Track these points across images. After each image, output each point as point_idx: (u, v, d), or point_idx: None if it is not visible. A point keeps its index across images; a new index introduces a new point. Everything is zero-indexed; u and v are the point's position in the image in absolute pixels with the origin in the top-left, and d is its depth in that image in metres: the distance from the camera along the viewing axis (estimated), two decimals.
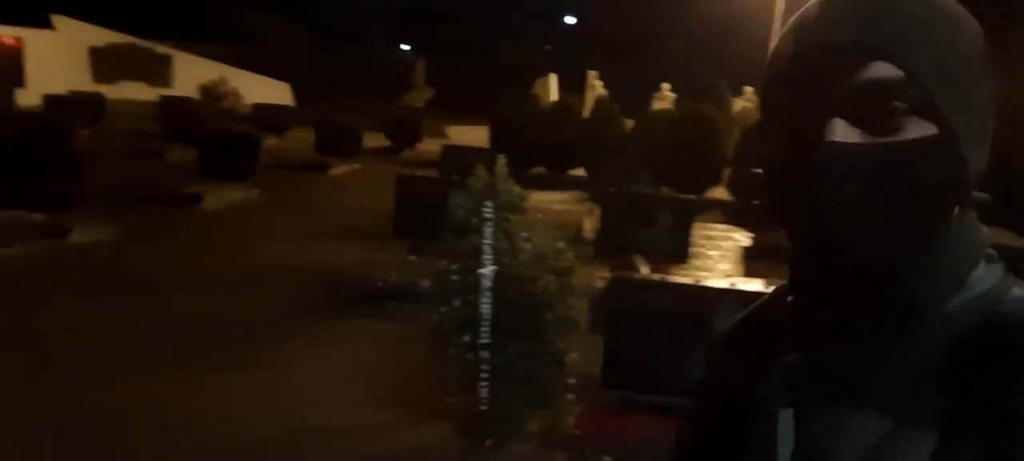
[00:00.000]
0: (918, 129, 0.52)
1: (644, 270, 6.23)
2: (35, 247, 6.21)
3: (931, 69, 0.51)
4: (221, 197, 8.82)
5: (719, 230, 8.89)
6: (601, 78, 18.79)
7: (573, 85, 19.38)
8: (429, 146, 15.08)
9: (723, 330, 0.73)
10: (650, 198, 7.77)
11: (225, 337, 4.72)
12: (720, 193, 11.39)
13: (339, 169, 12.53)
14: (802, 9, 0.57)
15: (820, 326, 0.58)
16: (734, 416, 0.64)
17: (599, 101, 14.35)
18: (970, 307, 0.54)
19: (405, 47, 40.79)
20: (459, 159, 8.67)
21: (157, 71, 25.48)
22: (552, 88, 21.26)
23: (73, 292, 5.39)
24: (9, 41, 22.89)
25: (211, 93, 18.09)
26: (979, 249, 0.57)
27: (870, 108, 0.52)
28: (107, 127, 15.29)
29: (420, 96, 28.83)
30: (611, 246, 6.95)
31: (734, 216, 9.47)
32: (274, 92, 23.09)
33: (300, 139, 14.59)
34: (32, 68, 22.72)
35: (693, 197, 9.50)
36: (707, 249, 7.64)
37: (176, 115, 13.74)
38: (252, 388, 3.99)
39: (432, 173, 9.02)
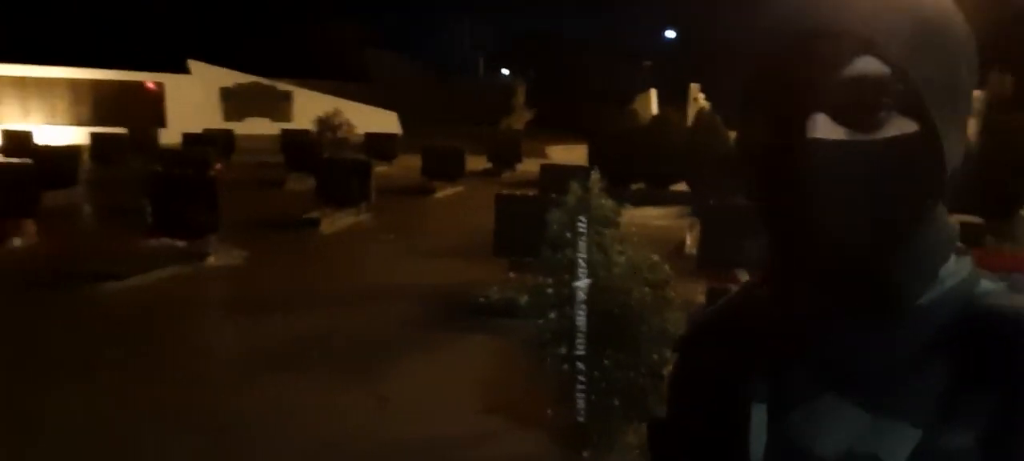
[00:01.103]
0: (900, 126, 0.50)
1: None
2: (178, 270, 6.93)
3: (917, 66, 0.50)
4: (336, 221, 9.44)
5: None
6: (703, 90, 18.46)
7: (675, 99, 19.15)
8: (529, 166, 15.34)
9: (696, 324, 0.72)
10: (753, 211, 7.56)
11: (344, 350, 5.07)
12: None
13: (444, 192, 13.03)
14: None
15: (798, 320, 0.57)
16: (707, 410, 0.63)
17: (700, 114, 14.11)
18: (944, 300, 0.54)
19: (505, 72, 41.61)
20: (557, 177, 8.81)
21: (279, 107, 27.48)
22: (652, 103, 21.06)
23: (211, 310, 5.99)
24: (152, 87, 25.45)
25: (326, 125, 19.26)
26: (950, 242, 0.57)
27: (855, 104, 0.50)
28: (236, 160, 16.67)
29: (520, 119, 29.42)
30: (712, 260, 6.83)
31: None
32: (383, 122, 24.31)
33: (408, 165, 15.27)
34: (172, 109, 25.17)
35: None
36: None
37: (296, 147, 14.77)
38: (371, 398, 4.28)
39: (530, 192, 9.22)
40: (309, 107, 25.39)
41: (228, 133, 18.46)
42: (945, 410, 0.50)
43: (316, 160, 11.09)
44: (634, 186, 11.83)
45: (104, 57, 24.61)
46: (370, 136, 17.90)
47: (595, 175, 4.03)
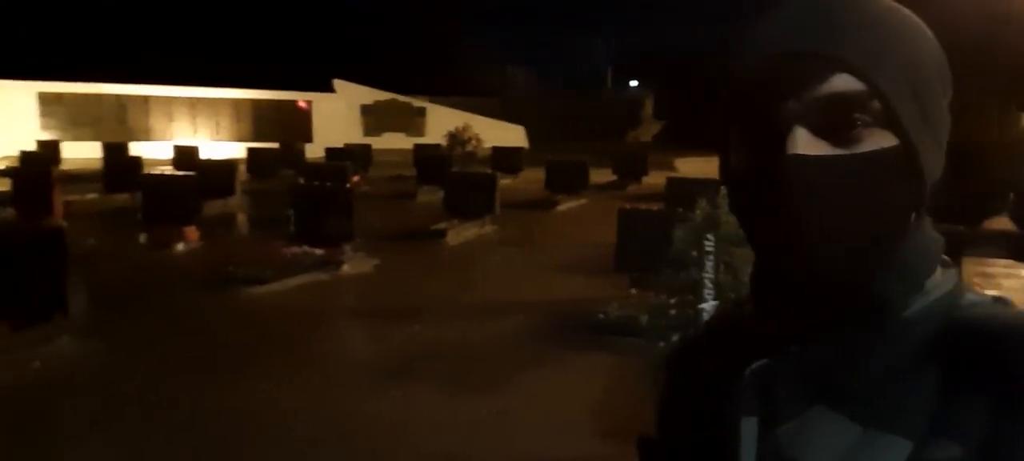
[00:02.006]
0: (879, 140, 0.52)
1: None
2: (315, 277, 7.37)
3: (891, 82, 0.52)
4: (461, 233, 9.67)
5: (999, 267, 7.55)
6: None
7: None
8: (655, 180, 14.98)
9: (684, 340, 0.73)
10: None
11: (465, 361, 5.14)
12: (1001, 223, 9.68)
13: (566, 205, 13.00)
14: (761, 18, 0.56)
15: (785, 334, 0.57)
16: (696, 425, 0.64)
17: None
18: (929, 312, 0.55)
19: (634, 83, 41.06)
20: (684, 192, 8.50)
21: (414, 122, 28.80)
22: None
23: (342, 317, 6.30)
24: (303, 105, 27.57)
25: (456, 139, 19.95)
26: (935, 255, 0.58)
27: (832, 120, 0.52)
28: (373, 173, 17.60)
29: (648, 131, 28.89)
30: None
31: (1018, 250, 7.97)
32: (511, 135, 24.78)
33: (533, 178, 15.40)
34: (318, 125, 27.09)
35: (963, 228, 8.19)
36: (982, 287, 6.53)
37: (427, 160, 15.35)
38: (491, 412, 4.29)
39: (655, 206, 8.97)
40: (441, 122, 26.39)
41: (366, 147, 19.51)
42: (934, 421, 0.50)
43: (445, 174, 11.45)
44: None
45: (262, 79, 27.00)
46: (497, 150, 18.26)
47: (724, 190, 3.81)
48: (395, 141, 25.75)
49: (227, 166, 12.60)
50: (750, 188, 0.55)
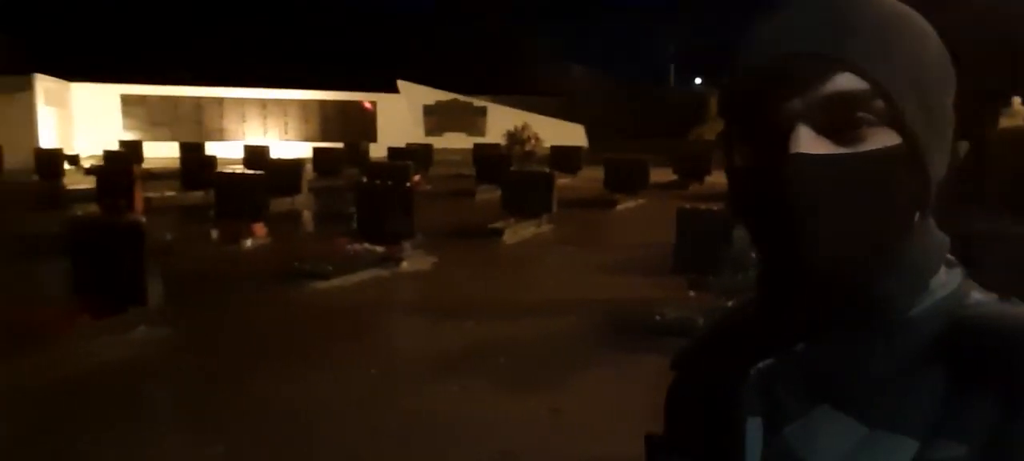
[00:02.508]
0: (883, 139, 0.52)
1: None
2: (376, 273, 7.55)
3: (895, 80, 0.52)
4: (518, 231, 9.71)
5: None
6: None
7: None
8: (718, 179, 14.66)
9: (691, 341, 0.72)
10: (990, 234, 6.53)
11: (520, 359, 5.18)
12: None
13: (625, 204, 12.88)
14: (764, 18, 0.56)
15: (790, 334, 0.57)
16: (703, 425, 0.64)
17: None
18: (934, 311, 0.55)
19: (698, 81, 40.29)
20: None
21: (474, 122, 29.07)
22: None
23: (400, 312, 6.44)
24: (368, 106, 28.24)
25: (514, 138, 20.04)
26: (940, 255, 0.58)
27: (835, 119, 0.52)
28: (434, 172, 17.87)
29: (712, 129, 28.22)
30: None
31: None
32: (570, 134, 24.69)
33: (591, 177, 15.33)
34: (382, 125, 27.70)
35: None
36: None
37: (486, 159, 15.48)
38: (545, 410, 4.32)
39: (715, 206, 8.78)
40: (502, 121, 26.56)
41: (427, 147, 19.80)
42: (940, 421, 0.50)
43: (502, 172, 11.53)
44: None
45: (330, 80, 27.81)
46: (556, 149, 18.25)
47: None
48: (456, 141, 26.05)
49: (294, 165, 13.03)
50: (753, 188, 0.55)
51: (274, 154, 17.92)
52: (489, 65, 32.85)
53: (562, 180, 15.98)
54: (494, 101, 29.61)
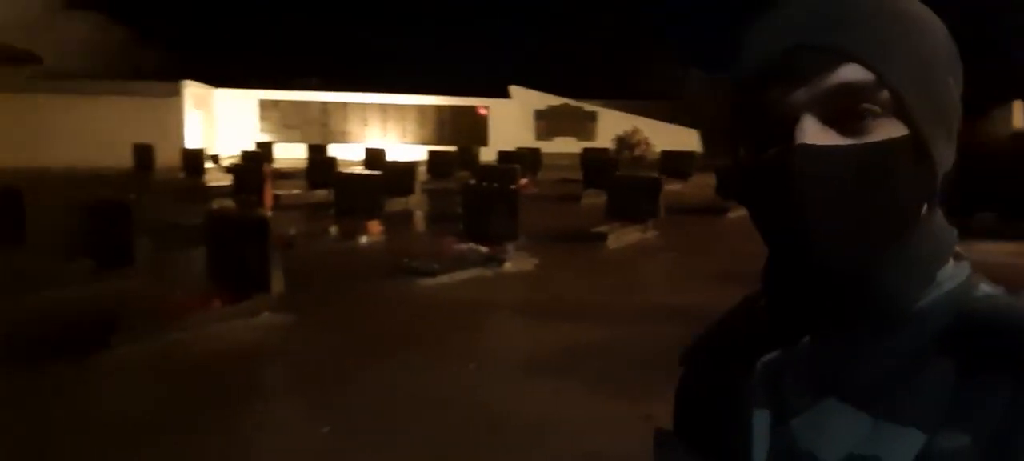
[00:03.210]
0: (888, 130, 0.52)
1: None
2: (479, 273, 7.75)
3: (901, 71, 0.51)
4: (622, 237, 9.63)
5: None
6: None
7: None
8: None
9: (699, 336, 0.72)
10: None
11: (615, 364, 5.16)
12: None
13: (737, 212, 12.41)
14: (769, 12, 0.56)
15: (797, 326, 0.57)
16: (710, 419, 0.64)
17: None
18: (941, 304, 0.55)
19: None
20: None
21: (585, 127, 29.06)
22: (1016, 117, 17.38)
23: (500, 312, 6.58)
24: (483, 111, 28.94)
25: (624, 143, 19.85)
26: (947, 247, 0.57)
27: (840, 110, 0.52)
28: (542, 177, 18.04)
29: None
30: None
31: None
32: (684, 139, 24.13)
33: (704, 183, 14.91)
34: (493, 130, 28.28)
35: None
36: None
37: (593, 164, 15.44)
38: (637, 416, 4.28)
39: None
40: (613, 126, 26.38)
41: (536, 151, 19.99)
42: (947, 412, 0.50)
43: (609, 177, 11.47)
44: (979, 215, 9.90)
45: (446, 86, 28.80)
46: (667, 154, 17.90)
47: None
48: (566, 145, 26.16)
49: (408, 167, 13.59)
50: (759, 180, 0.55)
51: (391, 156, 18.75)
52: (602, 70, 32.70)
53: (672, 186, 15.67)
54: (606, 106, 29.47)
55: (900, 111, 0.52)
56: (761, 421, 0.59)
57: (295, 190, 14.49)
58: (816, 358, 0.56)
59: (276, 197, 12.57)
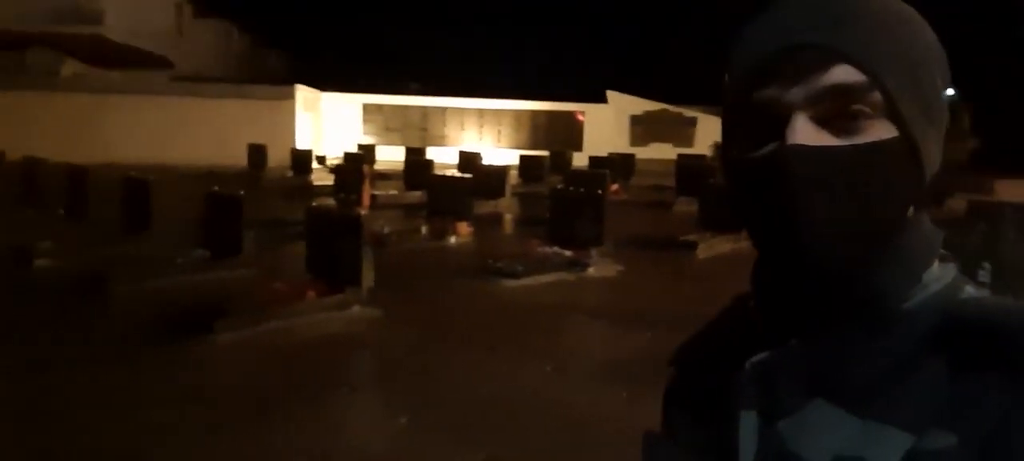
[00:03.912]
0: (879, 131, 0.52)
1: None
2: (563, 277, 7.80)
3: (892, 73, 0.52)
4: (713, 246, 9.38)
5: None
6: None
7: None
8: (959, 204, 12.83)
9: (689, 337, 0.73)
10: None
11: None
12: None
13: None
14: (764, 12, 0.56)
15: (786, 327, 0.57)
16: (699, 419, 0.64)
17: None
18: (928, 305, 0.55)
19: (949, 92, 35.33)
20: (988, 217, 7.23)
21: (682, 133, 28.43)
22: None
23: (580, 316, 6.59)
24: (579, 116, 28.92)
25: (720, 149, 19.27)
26: (933, 248, 0.57)
27: (832, 110, 0.52)
28: (635, 182, 17.81)
29: (962, 148, 24.64)
30: None
31: None
32: None
33: None
34: (588, 135, 28.18)
35: None
36: None
37: (687, 170, 15.09)
38: None
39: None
40: (713, 132, 25.63)
41: (629, 157, 19.76)
42: (934, 413, 0.50)
43: (702, 185, 11.19)
44: None
45: (542, 91, 29.03)
46: None
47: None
48: (662, 151, 25.69)
49: (499, 171, 13.81)
50: (750, 180, 0.55)
51: (486, 160, 19.08)
52: (702, 74, 31.90)
53: None
54: (706, 111, 28.69)
55: (891, 113, 0.52)
56: (749, 422, 0.59)
57: (392, 191, 15.05)
58: (804, 359, 0.56)
59: (374, 197, 13.11)
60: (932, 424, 0.50)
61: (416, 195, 13.77)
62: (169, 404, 4.31)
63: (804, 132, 0.52)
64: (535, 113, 29.25)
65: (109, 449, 3.72)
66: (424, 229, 10.13)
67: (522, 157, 19.51)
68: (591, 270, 7.96)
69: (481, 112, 29.16)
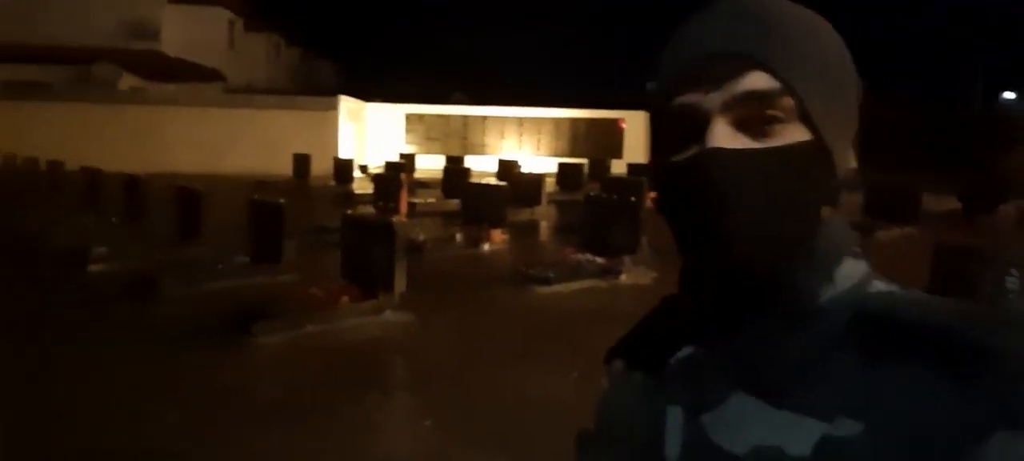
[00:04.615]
0: (793, 135, 0.55)
1: None
2: (594, 284, 7.80)
3: (804, 80, 0.55)
4: None
5: None
6: None
7: None
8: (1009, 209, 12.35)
9: (620, 337, 0.74)
10: None
11: None
12: None
13: (886, 234, 11.45)
14: (686, 22, 0.59)
15: (708, 325, 0.60)
16: (628, 417, 0.66)
17: None
18: (841, 300, 0.57)
19: (1008, 95, 34.10)
20: None
21: None
22: None
23: (611, 323, 6.57)
24: (620, 123, 28.79)
25: None
26: (846, 246, 0.60)
27: (749, 115, 0.54)
28: None
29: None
30: None
31: None
32: None
33: (855, 202, 13.91)
34: (629, 142, 28.02)
35: None
36: None
37: None
38: None
39: (986, 243, 7.46)
40: None
41: None
42: (845, 402, 0.52)
43: None
44: None
45: (582, 98, 28.99)
46: None
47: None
48: None
49: (536, 179, 13.88)
50: (673, 183, 0.58)
51: (525, 168, 19.16)
52: None
53: None
54: None
55: (804, 117, 0.55)
56: (675, 417, 0.61)
57: (431, 199, 15.25)
58: (726, 354, 0.59)
59: (412, 205, 13.32)
60: (842, 413, 0.52)
61: (454, 203, 13.94)
62: (207, 402, 4.50)
63: (723, 136, 0.55)
64: (574, 121, 29.26)
65: (147, 444, 3.90)
66: (459, 236, 10.25)
67: (560, 165, 19.54)
68: (624, 277, 7.94)
69: (521, 120, 29.31)
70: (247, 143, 24.81)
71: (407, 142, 28.72)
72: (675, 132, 0.58)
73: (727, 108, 0.55)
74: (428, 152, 27.01)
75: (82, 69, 27.30)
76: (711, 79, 0.55)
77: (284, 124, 25.22)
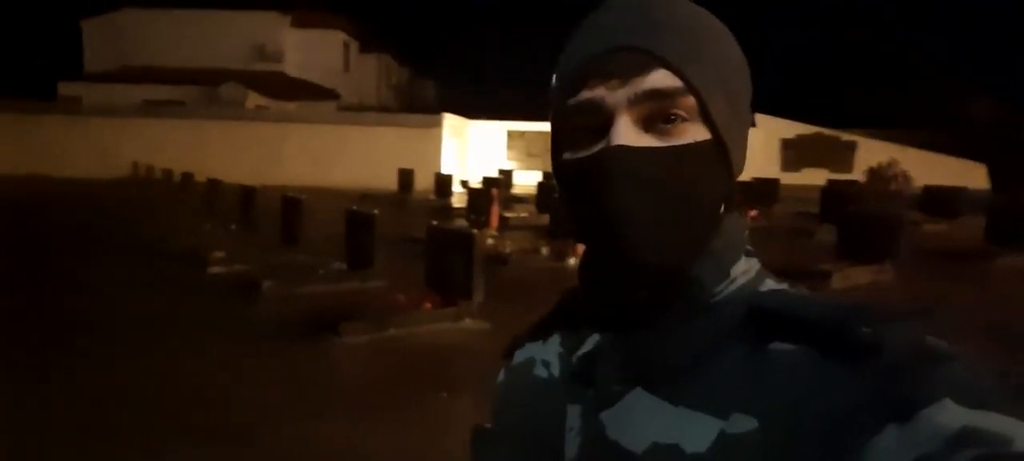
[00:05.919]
0: (693, 134, 0.55)
1: None
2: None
3: (705, 79, 0.55)
4: (850, 276, 8.75)
5: None
6: None
7: None
8: None
9: (518, 333, 0.74)
10: None
11: None
12: None
13: (1010, 260, 10.46)
14: (589, 17, 0.59)
15: (608, 320, 0.59)
16: (526, 414, 0.66)
17: None
18: (735, 296, 0.58)
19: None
20: None
21: (840, 157, 26.59)
22: None
23: None
24: None
25: (877, 176, 17.74)
26: (740, 244, 0.61)
27: (651, 113, 0.55)
28: (779, 209, 16.92)
29: None
30: None
31: None
32: (957, 174, 20.86)
33: (976, 225, 12.84)
34: None
35: None
36: None
37: (833, 197, 14.14)
38: None
39: None
40: (874, 157, 23.75)
41: (772, 182, 18.83)
42: (738, 398, 0.53)
43: (843, 212, 10.49)
44: None
45: None
46: (929, 189, 15.65)
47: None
48: (816, 176, 24.15)
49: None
50: (576, 178, 0.57)
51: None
52: (862, 97, 29.64)
53: (933, 226, 13.77)
54: (868, 136, 26.65)
55: (704, 116, 0.55)
56: (574, 414, 0.61)
57: (524, 213, 15.48)
58: (624, 350, 0.59)
59: (504, 218, 13.58)
60: (736, 408, 0.52)
61: (546, 218, 14.08)
62: (288, 391, 4.86)
63: (627, 133, 0.54)
64: None
65: (227, 421, 4.29)
66: (545, 250, 10.37)
67: None
68: None
69: (522, 134, 29.16)
70: (355, 158, 26.18)
71: (508, 158, 29.23)
72: (580, 129, 0.57)
73: (631, 104, 0.54)
74: (528, 168, 27.36)
75: (212, 89, 29.86)
76: (616, 73, 0.55)
77: (391, 140, 26.40)
